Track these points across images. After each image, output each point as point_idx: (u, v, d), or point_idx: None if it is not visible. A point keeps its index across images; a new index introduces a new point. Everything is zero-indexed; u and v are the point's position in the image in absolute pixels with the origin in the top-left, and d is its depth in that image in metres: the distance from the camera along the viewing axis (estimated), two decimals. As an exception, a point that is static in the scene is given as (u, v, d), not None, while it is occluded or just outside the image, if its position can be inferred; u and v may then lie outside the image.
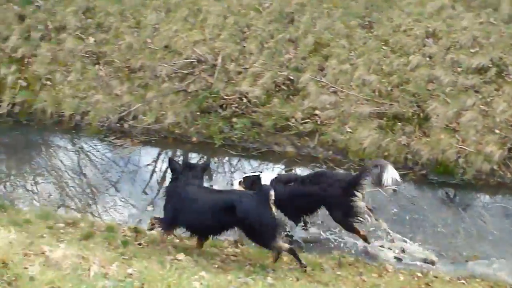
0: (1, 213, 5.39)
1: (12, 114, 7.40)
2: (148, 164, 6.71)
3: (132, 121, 7.07)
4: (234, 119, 6.81)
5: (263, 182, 5.15)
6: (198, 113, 6.92)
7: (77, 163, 6.79)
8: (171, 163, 4.95)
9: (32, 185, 6.41)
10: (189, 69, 7.23)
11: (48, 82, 7.48)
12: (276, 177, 5.18)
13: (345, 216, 4.86)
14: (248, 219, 4.40)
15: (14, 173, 6.68)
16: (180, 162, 5.24)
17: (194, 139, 6.82)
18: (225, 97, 6.94)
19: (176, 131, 6.94)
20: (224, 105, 6.90)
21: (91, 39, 7.66)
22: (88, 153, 6.96)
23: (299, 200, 4.94)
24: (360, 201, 4.79)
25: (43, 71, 7.52)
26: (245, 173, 5.95)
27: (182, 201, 4.63)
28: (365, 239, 5.04)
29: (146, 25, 7.66)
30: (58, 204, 6.12)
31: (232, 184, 5.68)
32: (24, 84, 7.53)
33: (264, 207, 4.41)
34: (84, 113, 7.22)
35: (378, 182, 4.73)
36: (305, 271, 4.52)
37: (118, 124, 7.08)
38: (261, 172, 5.71)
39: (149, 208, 5.91)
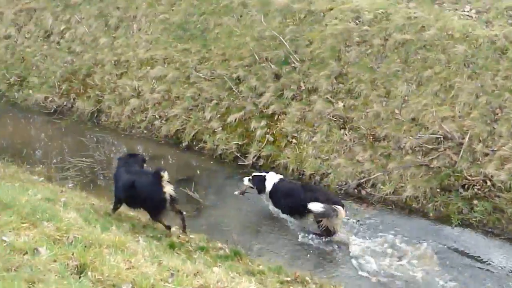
0: (237, 261, 10.28)
1: (256, 166, 13.84)
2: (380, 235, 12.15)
3: (370, 188, 12.66)
4: (475, 201, 11.69)
5: (268, 181, 12.09)
6: (438, 190, 12.03)
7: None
8: (118, 158, 11.81)
9: (265, 236, 12.45)
10: (434, 144, 12.59)
11: (294, 140, 13.79)
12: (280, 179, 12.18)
13: None
14: (142, 193, 10.55)
15: (253, 224, 12.80)
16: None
17: (431, 215, 12.10)
18: (468, 177, 11.97)
19: (414, 205, 12.20)
20: (466, 185, 11.87)
21: (340, 104, 13.81)
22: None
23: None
24: None
25: (290, 129, 13.93)
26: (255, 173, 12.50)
27: (116, 181, 11.15)
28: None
29: (395, 96, 13.40)
30: (285, 259, 11.90)
31: (243, 181, 12.51)
32: (271, 139, 14.06)
33: (156, 185, 10.35)
34: (324, 175, 13.14)
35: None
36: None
37: (355, 190, 12.81)
38: (268, 172, 12.42)
39: (374, 279, 10.72)
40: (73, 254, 6.19)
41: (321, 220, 11.37)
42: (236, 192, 12.98)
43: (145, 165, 12.14)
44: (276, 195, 12.17)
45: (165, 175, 10.55)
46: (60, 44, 19.62)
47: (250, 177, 12.51)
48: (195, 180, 13.89)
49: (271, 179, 12.24)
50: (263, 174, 12.51)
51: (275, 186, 12.16)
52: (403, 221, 12.08)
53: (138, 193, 10.77)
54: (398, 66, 13.89)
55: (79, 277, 5.85)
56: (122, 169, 11.28)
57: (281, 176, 12.45)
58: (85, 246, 6.54)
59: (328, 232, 11.51)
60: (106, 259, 6.28)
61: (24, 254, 5.98)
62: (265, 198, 12.43)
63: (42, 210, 7.48)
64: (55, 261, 6.01)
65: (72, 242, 6.65)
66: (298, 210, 11.84)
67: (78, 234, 6.96)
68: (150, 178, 10.75)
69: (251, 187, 12.54)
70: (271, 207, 12.44)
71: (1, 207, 7.26)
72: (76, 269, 6.01)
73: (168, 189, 10.61)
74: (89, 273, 5.97)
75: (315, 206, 11.26)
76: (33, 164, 15.05)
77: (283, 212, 12.25)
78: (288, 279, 9.62)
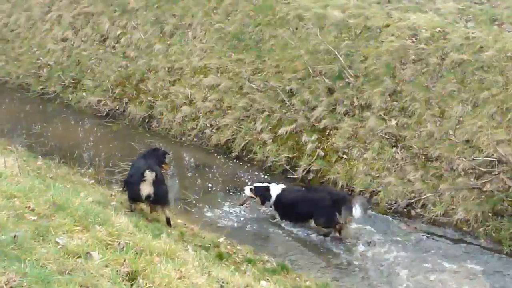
0: (284, 275, 10.31)
1: (305, 180, 13.98)
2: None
3: (420, 209, 12.64)
4: (529, 228, 11.78)
5: (272, 192, 12.50)
6: (490, 214, 11.91)
7: (354, 239, 12.57)
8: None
9: (309, 250, 12.47)
10: (487, 167, 12.41)
11: (344, 156, 13.85)
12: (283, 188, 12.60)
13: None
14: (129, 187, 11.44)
15: (298, 237, 12.68)
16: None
17: (481, 239, 11.96)
18: (522, 203, 12.05)
19: (464, 228, 12.04)
20: (519, 212, 11.99)
21: (393, 122, 13.79)
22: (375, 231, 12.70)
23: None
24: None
25: (341, 145, 13.99)
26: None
27: None
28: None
29: (450, 116, 13.31)
30: (330, 275, 11.76)
31: (243, 190, 12.97)
32: (322, 154, 14.13)
33: (137, 183, 10.92)
34: (374, 192, 13.13)
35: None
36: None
37: (405, 210, 12.79)
38: (270, 183, 12.78)
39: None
40: (124, 261, 6.25)
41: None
42: (238, 204, 13.39)
43: (165, 159, 12.76)
44: (282, 205, 12.65)
45: (149, 176, 10.96)
46: (116, 48, 20.10)
47: (252, 187, 12.92)
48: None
49: (275, 189, 12.68)
50: (265, 184, 12.89)
51: (279, 196, 12.62)
52: (451, 243, 12.01)
53: (128, 186, 11.61)
54: (454, 86, 13.81)
55: (131, 285, 5.93)
56: (138, 160, 12.11)
57: (283, 186, 12.92)
58: (137, 253, 6.60)
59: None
60: (157, 267, 6.33)
61: (77, 258, 6.05)
62: (267, 208, 12.96)
63: (94, 214, 7.58)
64: (107, 266, 6.07)
65: (123, 248, 6.71)
66: (306, 218, 12.47)
67: (129, 240, 7.04)
68: (138, 174, 11.15)
69: (252, 197, 12.91)
70: (274, 214, 12.93)
71: (55, 208, 7.40)
72: (128, 276, 6.07)
73: (145, 188, 11.00)
74: (140, 280, 6.03)
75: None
76: (84, 166, 15.37)
77: (289, 220, 12.75)
78: (335, 298, 9.68)
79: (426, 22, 15.31)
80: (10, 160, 10.23)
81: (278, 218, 12.78)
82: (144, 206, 11.69)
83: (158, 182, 11.15)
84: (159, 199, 11.28)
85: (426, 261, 11.39)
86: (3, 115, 20.07)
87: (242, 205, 13.27)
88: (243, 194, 13.12)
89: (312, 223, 12.37)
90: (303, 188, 13.12)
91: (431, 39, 14.78)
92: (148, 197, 11.11)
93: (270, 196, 12.64)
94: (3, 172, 8.28)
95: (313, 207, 12.18)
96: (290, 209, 12.57)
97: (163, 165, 12.54)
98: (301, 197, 12.56)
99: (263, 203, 12.81)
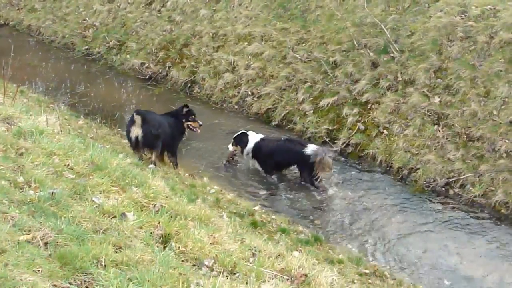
0: (317, 247, 10.27)
1: (343, 153, 13.92)
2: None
3: (459, 189, 12.53)
4: None
5: (250, 138, 13.01)
6: (530, 198, 11.97)
7: (391, 216, 12.57)
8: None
9: (346, 224, 12.42)
10: (531, 150, 12.46)
11: (385, 131, 13.75)
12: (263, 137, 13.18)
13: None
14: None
15: (335, 209, 12.78)
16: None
17: (518, 222, 11.85)
18: None
19: (502, 211, 11.96)
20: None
21: (436, 99, 13.59)
22: (406, 209, 12.73)
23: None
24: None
25: (382, 120, 13.88)
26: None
27: None
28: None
29: (495, 96, 13.04)
30: (367, 250, 11.58)
31: (228, 148, 13.36)
32: (362, 127, 14.05)
33: (130, 125, 11.58)
34: (412, 169, 13.01)
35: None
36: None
37: (443, 189, 12.67)
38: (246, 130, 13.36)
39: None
40: (159, 223, 6.36)
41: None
42: (223, 162, 13.76)
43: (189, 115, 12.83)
44: (260, 154, 13.20)
45: (138, 119, 11.50)
46: (161, 12, 20.20)
47: (232, 140, 13.43)
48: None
49: (253, 138, 13.23)
50: (242, 131, 13.49)
51: (257, 144, 13.16)
52: (487, 222, 11.91)
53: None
54: (501, 66, 13.48)
55: (164, 247, 5.99)
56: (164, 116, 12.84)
57: (262, 135, 13.47)
58: (171, 216, 6.68)
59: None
60: (190, 232, 6.40)
61: (112, 218, 6.18)
62: (246, 156, 13.39)
63: (131, 175, 7.64)
64: (141, 227, 6.18)
65: (158, 210, 6.80)
66: (285, 165, 13.28)
67: (165, 203, 7.09)
68: (131, 119, 11.87)
69: (236, 150, 13.46)
70: (255, 164, 13.56)
71: (93, 168, 7.48)
72: (161, 238, 6.17)
73: (134, 131, 11.61)
74: (173, 244, 6.12)
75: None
76: (124, 128, 15.46)
77: (268, 170, 13.35)
78: (367, 271, 9.64)
79: (476, -2, 14.98)
80: (52, 118, 10.31)
81: (257, 167, 13.49)
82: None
83: (146, 126, 11.60)
84: (145, 141, 11.72)
85: (455, 235, 11.47)
86: (48, 74, 20.42)
87: (229, 162, 13.71)
88: (228, 150, 13.55)
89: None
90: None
91: (480, 17, 14.46)
92: (136, 139, 11.64)
93: (247, 142, 13.18)
94: (44, 129, 8.34)
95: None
96: (269, 158, 13.12)
97: (191, 123, 12.74)
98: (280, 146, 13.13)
99: (242, 151, 13.30)
